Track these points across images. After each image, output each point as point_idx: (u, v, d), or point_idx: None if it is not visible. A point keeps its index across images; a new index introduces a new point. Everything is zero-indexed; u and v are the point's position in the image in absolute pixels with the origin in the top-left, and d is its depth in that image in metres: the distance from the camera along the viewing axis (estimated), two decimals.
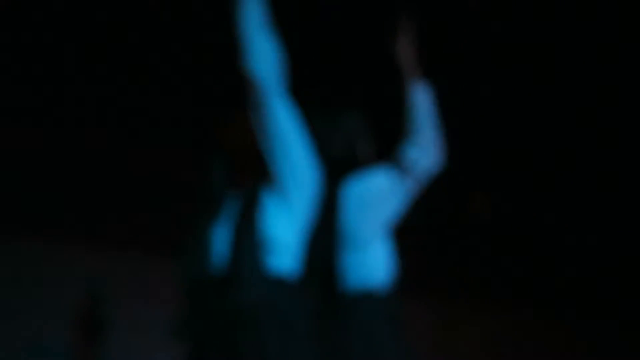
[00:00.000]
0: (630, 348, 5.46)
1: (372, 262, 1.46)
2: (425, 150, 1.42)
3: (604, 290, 5.38)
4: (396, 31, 1.47)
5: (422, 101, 1.43)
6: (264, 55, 1.04)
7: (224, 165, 1.15)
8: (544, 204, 5.51)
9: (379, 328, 1.48)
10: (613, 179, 5.49)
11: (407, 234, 1.55)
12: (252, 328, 1.09)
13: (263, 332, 1.11)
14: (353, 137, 1.45)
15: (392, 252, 1.49)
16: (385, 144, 1.51)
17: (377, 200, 1.41)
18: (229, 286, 1.08)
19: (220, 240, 1.09)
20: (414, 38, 1.48)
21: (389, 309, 1.50)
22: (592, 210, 5.46)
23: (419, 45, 1.46)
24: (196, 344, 1.10)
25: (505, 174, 5.30)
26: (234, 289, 1.08)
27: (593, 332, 5.64)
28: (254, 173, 1.12)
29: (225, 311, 1.09)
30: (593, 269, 5.53)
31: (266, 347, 1.10)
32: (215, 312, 1.09)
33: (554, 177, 5.44)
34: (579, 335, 5.66)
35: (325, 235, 1.40)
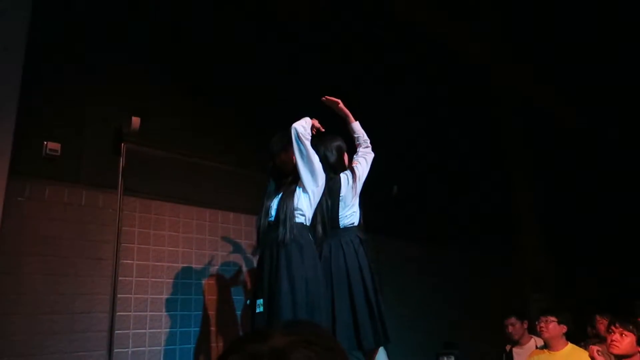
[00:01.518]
0: None
1: (352, 213, 2.90)
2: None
3: None
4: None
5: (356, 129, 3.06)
6: None
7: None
8: None
9: (358, 246, 2.83)
10: None
11: None
12: (284, 249, 2.54)
13: (290, 252, 2.53)
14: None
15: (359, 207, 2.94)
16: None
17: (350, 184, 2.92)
18: (277, 227, 2.60)
19: (273, 206, 2.69)
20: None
21: (361, 236, 2.87)
22: None
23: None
24: (260, 257, 2.68)
25: None
26: (280, 229, 2.57)
27: None
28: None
29: (274, 239, 2.59)
30: None
31: (291, 260, 2.52)
32: (269, 240, 2.63)
33: None
34: None
35: (334, 202, 2.88)
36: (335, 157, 2.96)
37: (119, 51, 3.38)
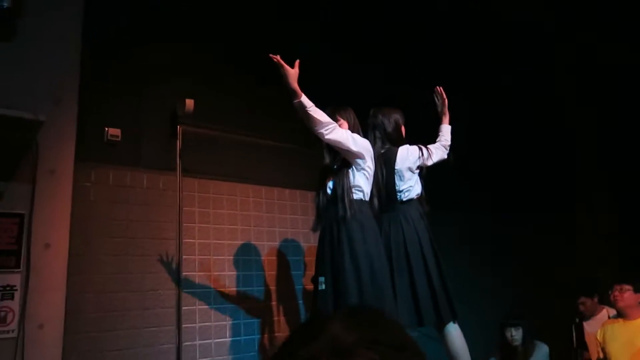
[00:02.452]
0: None
1: (409, 187, 2.84)
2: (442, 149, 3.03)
3: None
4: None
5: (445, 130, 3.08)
6: None
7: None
8: None
9: (418, 221, 2.79)
10: None
11: None
12: (345, 225, 2.52)
13: (350, 229, 2.52)
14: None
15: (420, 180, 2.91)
16: None
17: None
18: (335, 203, 2.58)
19: (330, 183, 2.66)
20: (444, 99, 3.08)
21: (421, 209, 2.85)
22: None
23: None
24: (320, 234, 2.67)
25: None
26: (339, 206, 2.54)
27: None
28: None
29: (333, 216, 2.58)
30: None
31: (352, 237, 2.50)
32: (329, 216, 2.62)
33: None
34: None
35: (388, 173, 2.84)
36: (393, 126, 2.93)
37: (170, 34, 3.43)
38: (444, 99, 3.05)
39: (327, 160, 2.73)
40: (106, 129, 3.10)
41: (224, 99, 3.56)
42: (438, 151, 2.95)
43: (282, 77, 2.48)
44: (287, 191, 3.79)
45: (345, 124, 2.67)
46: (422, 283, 2.66)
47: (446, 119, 3.06)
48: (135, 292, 3.02)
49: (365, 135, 2.87)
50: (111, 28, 3.20)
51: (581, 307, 4.17)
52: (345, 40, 4.11)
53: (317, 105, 2.47)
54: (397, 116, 2.96)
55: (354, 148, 2.55)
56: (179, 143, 3.32)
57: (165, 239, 3.19)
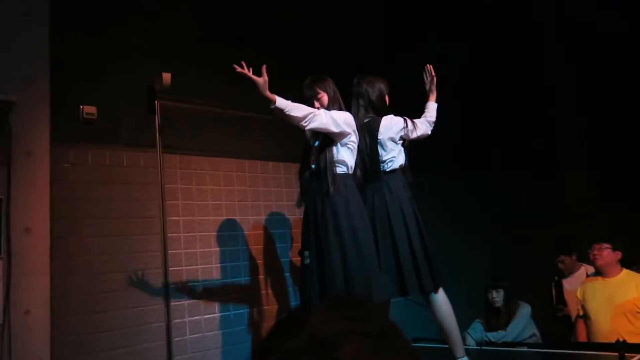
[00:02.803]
0: None
1: (392, 158, 2.83)
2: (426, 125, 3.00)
3: None
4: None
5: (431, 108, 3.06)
6: None
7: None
8: None
9: (401, 191, 2.78)
10: None
11: None
12: (329, 200, 2.52)
13: (335, 203, 2.52)
14: None
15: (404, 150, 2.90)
16: None
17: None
18: (319, 179, 2.58)
19: (313, 156, 2.65)
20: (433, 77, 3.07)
21: (404, 179, 2.85)
22: None
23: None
24: (305, 209, 2.67)
25: None
26: (323, 181, 2.55)
27: None
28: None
29: (317, 190, 2.59)
30: None
31: (336, 212, 2.51)
32: (313, 191, 2.63)
33: None
34: None
35: (372, 143, 2.80)
36: (377, 95, 2.89)
37: (143, 5, 3.29)
38: (433, 77, 3.04)
39: (309, 135, 2.70)
40: (81, 107, 3.00)
41: (202, 72, 3.46)
42: (422, 125, 2.94)
43: (430, 82, 2.97)
44: (270, 164, 3.75)
45: (325, 96, 2.65)
46: (405, 253, 2.68)
47: (433, 96, 3.05)
48: (122, 272, 2.99)
49: (348, 104, 2.84)
50: (81, 2, 3.06)
51: (560, 265, 4.30)
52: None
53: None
54: (381, 85, 2.92)
55: (335, 130, 2.54)
56: (157, 119, 3.23)
57: (149, 217, 3.14)
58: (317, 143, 2.66)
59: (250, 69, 2.40)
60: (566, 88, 5.80)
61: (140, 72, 3.21)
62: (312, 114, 2.47)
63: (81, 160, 2.96)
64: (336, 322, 0.65)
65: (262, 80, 2.37)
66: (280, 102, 2.38)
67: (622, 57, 5.12)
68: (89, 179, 2.97)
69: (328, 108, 2.62)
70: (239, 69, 2.36)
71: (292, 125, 2.75)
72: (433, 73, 3.04)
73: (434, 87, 3.05)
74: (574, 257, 4.31)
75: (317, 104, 2.63)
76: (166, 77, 3.16)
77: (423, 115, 3.03)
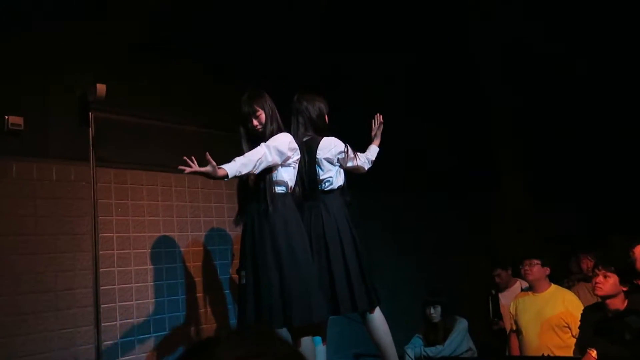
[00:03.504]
0: None
1: (330, 177, 2.81)
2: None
3: None
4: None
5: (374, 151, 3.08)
6: None
7: None
8: None
9: (338, 211, 2.79)
10: None
11: None
12: (268, 221, 2.51)
13: (273, 223, 2.51)
14: None
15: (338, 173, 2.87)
16: None
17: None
18: (257, 198, 2.60)
19: (252, 179, 2.64)
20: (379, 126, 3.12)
21: (343, 199, 2.86)
22: None
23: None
24: (243, 227, 2.65)
25: None
26: (262, 200, 2.57)
27: None
28: None
29: (255, 209, 2.59)
30: None
31: (275, 232, 2.50)
32: (251, 209, 2.63)
33: None
34: None
35: (310, 162, 2.79)
36: (317, 113, 2.89)
37: (75, 14, 3.16)
38: (381, 124, 3.12)
39: (245, 149, 2.64)
40: (6, 117, 2.82)
41: (138, 83, 3.35)
42: (361, 158, 2.96)
43: (377, 129, 3.07)
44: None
45: (263, 114, 2.62)
46: (340, 272, 2.68)
47: (377, 141, 3.11)
48: (47, 292, 2.83)
49: (287, 120, 2.84)
50: (11, 5, 2.89)
51: (497, 279, 4.45)
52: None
53: None
54: (321, 104, 2.92)
55: (281, 160, 2.54)
56: (91, 131, 3.09)
57: (79, 234, 3.00)
58: None
59: (195, 163, 2.36)
60: (500, 110, 5.99)
61: (73, 82, 3.07)
62: (259, 160, 2.45)
63: (4, 174, 2.79)
64: (241, 348, 0.68)
65: (211, 168, 2.36)
66: (231, 171, 2.39)
67: (555, 81, 5.37)
68: (12, 194, 2.80)
69: (265, 125, 2.59)
70: (187, 170, 2.34)
71: (234, 140, 2.72)
72: (381, 120, 3.12)
73: (379, 133, 3.11)
74: (509, 271, 4.46)
75: (255, 122, 2.60)
76: (100, 88, 3.04)
77: (364, 153, 3.05)
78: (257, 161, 2.45)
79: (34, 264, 2.80)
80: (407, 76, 4.91)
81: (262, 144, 2.51)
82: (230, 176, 2.39)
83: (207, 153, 2.38)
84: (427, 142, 5.03)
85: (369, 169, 3.03)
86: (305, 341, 2.53)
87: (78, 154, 3.05)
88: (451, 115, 5.30)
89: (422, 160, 4.96)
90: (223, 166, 2.37)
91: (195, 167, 2.33)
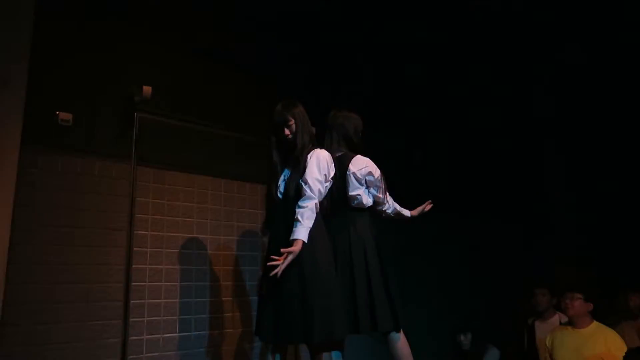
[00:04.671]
0: None
1: (358, 194, 2.78)
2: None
3: None
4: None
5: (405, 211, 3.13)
6: None
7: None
8: None
9: (365, 230, 2.76)
10: None
11: None
12: (287, 231, 2.45)
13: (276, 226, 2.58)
14: None
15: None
16: None
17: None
18: (285, 208, 2.53)
19: (281, 184, 2.59)
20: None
21: (369, 218, 2.82)
22: None
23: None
24: (270, 239, 2.62)
25: None
26: (289, 211, 2.48)
27: None
28: None
29: (282, 221, 2.52)
30: None
31: (278, 233, 2.53)
32: (277, 220, 2.59)
33: None
34: None
35: (341, 177, 2.75)
36: (353, 131, 2.88)
37: (129, 15, 3.29)
38: (426, 210, 3.20)
39: (276, 159, 2.63)
40: (57, 113, 2.96)
41: (185, 87, 3.44)
42: (388, 198, 2.95)
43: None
44: (247, 185, 3.71)
45: (294, 124, 2.58)
46: (362, 291, 2.62)
47: (412, 212, 3.16)
48: (81, 283, 2.91)
49: (322, 134, 2.83)
50: (66, 6, 3.05)
51: (538, 298, 4.13)
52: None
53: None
54: (357, 121, 2.91)
55: (328, 184, 2.55)
56: (134, 130, 3.19)
57: (115, 229, 3.08)
58: (286, 171, 2.61)
59: (285, 255, 2.36)
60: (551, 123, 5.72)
61: (121, 82, 3.18)
62: (314, 204, 2.45)
63: (51, 166, 2.91)
64: None
65: (293, 250, 2.37)
66: (304, 235, 2.40)
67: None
68: (56, 186, 2.91)
69: (296, 135, 2.57)
70: (280, 268, 2.34)
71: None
72: (428, 209, 3.20)
73: (420, 211, 3.18)
74: (554, 301, 4.20)
75: (286, 131, 2.59)
76: (146, 90, 3.14)
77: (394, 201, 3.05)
78: (313, 208, 2.44)
79: (70, 255, 2.90)
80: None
81: (305, 187, 2.47)
82: (306, 240, 2.40)
83: (283, 250, 2.37)
84: (474, 165, 4.89)
85: (386, 215, 2.99)
86: (325, 357, 2.47)
87: (121, 152, 3.14)
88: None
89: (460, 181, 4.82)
90: (297, 237, 2.38)
91: (282, 259, 2.35)
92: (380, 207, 2.92)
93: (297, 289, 2.38)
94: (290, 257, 2.34)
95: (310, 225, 2.41)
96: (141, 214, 3.18)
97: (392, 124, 4.49)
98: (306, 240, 2.39)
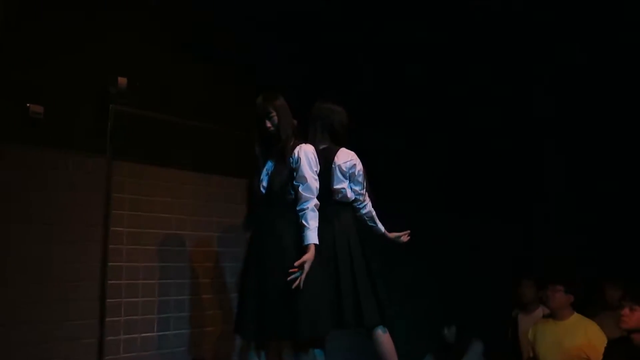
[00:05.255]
0: None
1: (342, 188, 2.74)
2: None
3: None
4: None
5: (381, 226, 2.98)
6: None
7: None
8: None
9: (350, 224, 2.74)
10: None
11: None
12: (278, 227, 2.45)
13: (283, 230, 2.44)
14: None
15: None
16: None
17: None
18: (268, 202, 2.49)
19: (264, 178, 2.53)
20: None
21: (354, 214, 2.81)
22: None
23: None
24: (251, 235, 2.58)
25: None
26: (273, 206, 2.48)
27: None
28: None
29: (265, 216, 2.50)
30: None
31: (283, 237, 2.44)
32: (260, 216, 2.53)
33: None
34: None
35: (326, 170, 2.68)
36: (338, 123, 2.81)
37: (103, 6, 3.16)
38: (403, 239, 3.03)
39: (258, 152, 2.58)
40: (28, 105, 2.83)
41: (163, 79, 3.33)
42: (367, 200, 2.85)
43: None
44: (228, 179, 3.60)
45: (275, 116, 2.53)
46: (347, 285, 2.59)
47: (387, 234, 2.99)
48: (55, 282, 2.81)
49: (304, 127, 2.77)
50: None
51: (524, 288, 4.02)
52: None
53: None
54: (342, 113, 2.84)
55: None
56: (110, 123, 3.08)
57: (91, 226, 2.98)
58: (269, 164, 2.54)
59: (304, 264, 2.34)
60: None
61: (95, 74, 3.07)
62: (314, 203, 2.43)
63: (21, 161, 2.79)
64: None
65: (308, 258, 2.34)
66: (315, 238, 2.39)
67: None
68: (28, 182, 2.80)
69: (279, 127, 2.51)
70: (301, 280, 2.32)
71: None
72: (404, 240, 3.03)
73: (393, 237, 3.00)
74: (539, 294, 4.15)
75: (268, 123, 2.52)
76: (122, 81, 3.05)
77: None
78: (314, 206, 2.43)
79: (44, 253, 2.79)
80: None
81: (302, 187, 2.44)
82: (318, 241, 2.40)
83: (296, 264, 2.34)
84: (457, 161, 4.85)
85: (359, 215, 2.86)
86: (309, 354, 2.44)
87: (96, 146, 3.04)
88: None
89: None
90: (309, 243, 2.36)
91: (301, 269, 2.32)
92: (356, 204, 2.82)
93: (282, 283, 2.32)
94: (307, 265, 2.31)
95: (316, 224, 2.40)
96: (117, 210, 3.09)
97: (392, 123, 4.45)
98: (317, 242, 2.37)
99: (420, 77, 4.53)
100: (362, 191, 2.79)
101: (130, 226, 3.13)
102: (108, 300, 2.96)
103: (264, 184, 2.50)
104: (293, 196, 2.46)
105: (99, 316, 2.93)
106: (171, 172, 3.34)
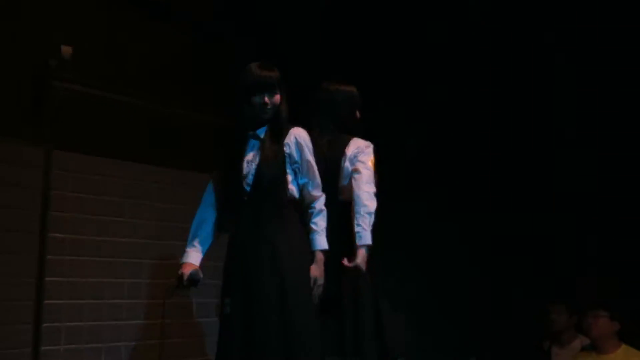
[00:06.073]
0: None
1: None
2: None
3: None
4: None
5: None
6: None
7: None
8: None
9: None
10: None
11: None
12: (268, 232, 2.15)
13: (277, 237, 2.15)
14: None
15: None
16: None
17: None
18: (256, 200, 2.17)
19: (249, 170, 2.21)
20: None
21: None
22: None
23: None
24: (231, 240, 2.26)
25: None
26: (263, 209, 2.16)
27: None
28: None
29: (252, 221, 2.17)
30: None
31: (276, 245, 2.14)
32: (246, 217, 2.19)
33: None
34: None
35: (333, 167, 2.43)
36: (347, 108, 2.49)
37: None
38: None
39: (237, 136, 2.25)
40: None
41: (115, 51, 2.90)
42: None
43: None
44: (199, 175, 3.05)
45: (278, 95, 2.23)
46: (350, 309, 2.35)
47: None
48: None
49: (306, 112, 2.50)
50: None
51: (553, 316, 3.63)
52: None
53: None
54: (353, 95, 2.51)
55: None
56: (50, 104, 2.65)
57: (23, 231, 2.57)
58: (250, 154, 2.19)
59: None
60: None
61: (29, 43, 2.61)
62: (324, 201, 2.26)
63: None
64: None
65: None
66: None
67: None
68: None
69: (279, 109, 2.20)
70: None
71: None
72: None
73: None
74: (573, 320, 3.63)
75: (266, 99, 2.16)
76: (66, 50, 2.63)
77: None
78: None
79: None
80: None
81: (312, 185, 2.23)
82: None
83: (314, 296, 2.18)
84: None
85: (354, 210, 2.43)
86: None
87: (32, 133, 2.61)
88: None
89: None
90: (324, 248, 2.20)
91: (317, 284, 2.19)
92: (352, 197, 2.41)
93: (275, 304, 2.06)
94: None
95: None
96: (57, 212, 2.65)
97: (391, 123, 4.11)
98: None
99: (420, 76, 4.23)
100: (371, 181, 2.48)
101: (74, 232, 2.70)
102: (44, 325, 2.55)
103: (249, 180, 2.17)
104: (292, 192, 2.19)
105: (32, 343, 2.51)
106: (126, 165, 2.91)
